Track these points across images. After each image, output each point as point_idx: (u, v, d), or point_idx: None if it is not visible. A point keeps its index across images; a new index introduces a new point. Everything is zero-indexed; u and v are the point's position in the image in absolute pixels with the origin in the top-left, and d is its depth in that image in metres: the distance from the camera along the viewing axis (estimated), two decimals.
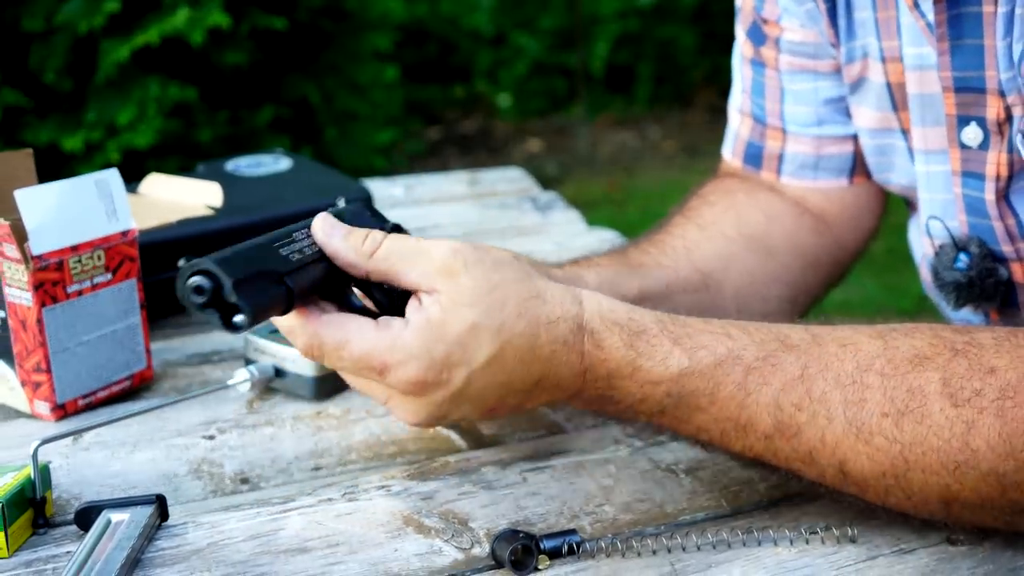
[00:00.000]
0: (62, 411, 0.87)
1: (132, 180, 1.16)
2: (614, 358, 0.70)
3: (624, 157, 4.59)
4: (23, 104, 2.98)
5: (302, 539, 0.71)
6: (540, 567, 0.68)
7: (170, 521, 0.73)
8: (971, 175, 0.84)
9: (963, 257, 0.86)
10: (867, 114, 0.95)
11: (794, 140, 1.01)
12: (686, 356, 0.70)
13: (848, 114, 0.98)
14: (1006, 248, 0.86)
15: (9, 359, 0.87)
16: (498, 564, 0.69)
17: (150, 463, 0.82)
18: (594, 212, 3.11)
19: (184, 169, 1.25)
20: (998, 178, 0.82)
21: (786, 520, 0.73)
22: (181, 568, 0.69)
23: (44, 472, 0.74)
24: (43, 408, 0.87)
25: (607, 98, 5.12)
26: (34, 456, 0.72)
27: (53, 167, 2.79)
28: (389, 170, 3.47)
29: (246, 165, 1.25)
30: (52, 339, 0.85)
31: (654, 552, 0.69)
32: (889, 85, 0.91)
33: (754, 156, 1.04)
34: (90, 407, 0.89)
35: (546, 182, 1.65)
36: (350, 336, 0.68)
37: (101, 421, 0.81)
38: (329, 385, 0.89)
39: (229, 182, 1.17)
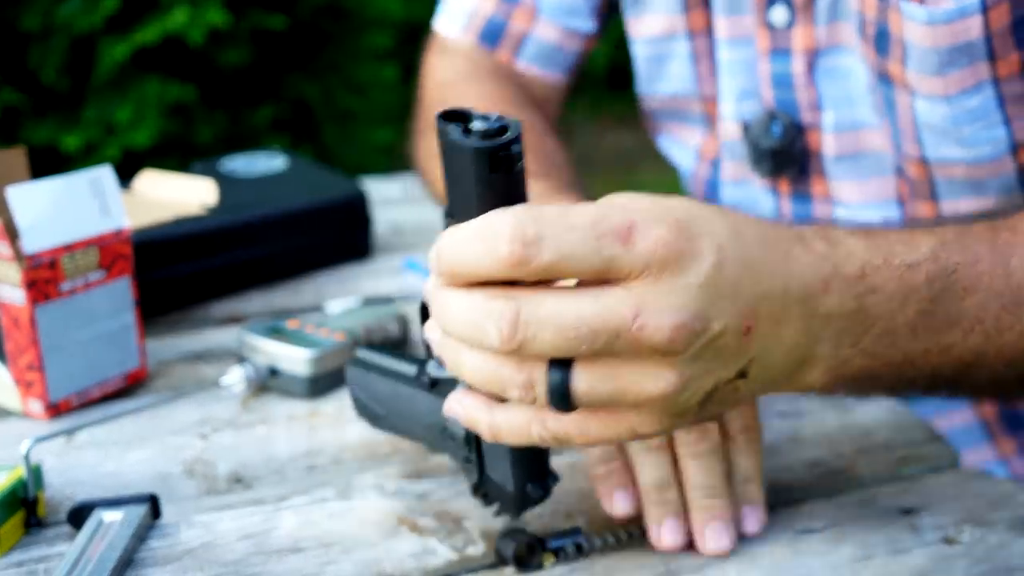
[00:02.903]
0: (55, 410, 0.87)
1: (131, 179, 1.15)
2: (859, 248, 0.58)
3: (624, 157, 4.59)
4: (22, 104, 2.98)
5: (295, 539, 0.71)
6: (545, 564, 0.68)
7: (163, 521, 0.73)
8: (779, 51, 0.91)
9: (775, 127, 0.92)
10: (653, 21, 0.98)
11: (545, 24, 1.03)
12: (930, 234, 0.61)
13: (594, 14, 1.04)
14: (807, 117, 0.92)
15: (1, 357, 0.87)
16: (501, 562, 0.68)
17: (144, 462, 0.81)
18: None
19: (182, 168, 1.25)
20: (806, 51, 0.90)
21: (781, 519, 0.73)
22: (174, 568, 0.68)
23: (36, 472, 0.73)
24: (36, 407, 0.86)
25: (607, 98, 5.12)
26: (26, 456, 0.72)
27: (52, 166, 2.79)
28: (389, 169, 3.47)
29: (242, 164, 1.24)
30: (45, 337, 0.85)
31: (649, 551, 0.69)
32: None
33: (492, 33, 1.04)
34: (83, 406, 0.89)
35: None
36: (572, 206, 0.53)
37: (94, 420, 0.81)
38: (323, 384, 0.89)
39: (224, 180, 1.17)
